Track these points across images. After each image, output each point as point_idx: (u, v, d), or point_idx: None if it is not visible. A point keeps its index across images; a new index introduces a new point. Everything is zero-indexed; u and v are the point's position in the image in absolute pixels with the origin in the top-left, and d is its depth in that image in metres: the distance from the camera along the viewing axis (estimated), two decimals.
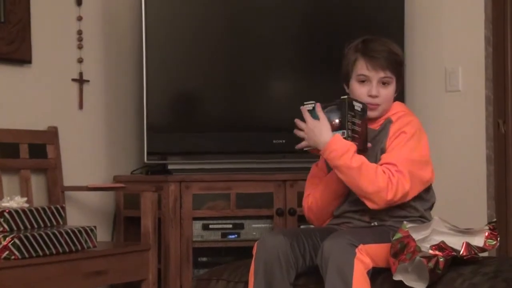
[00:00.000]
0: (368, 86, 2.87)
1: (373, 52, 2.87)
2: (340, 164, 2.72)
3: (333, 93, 4.39)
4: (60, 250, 3.46)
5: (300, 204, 4.13)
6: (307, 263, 2.77)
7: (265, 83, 4.41)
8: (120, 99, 4.47)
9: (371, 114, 2.87)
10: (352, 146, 2.74)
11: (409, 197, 2.76)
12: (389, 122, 2.88)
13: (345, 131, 2.75)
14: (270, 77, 4.41)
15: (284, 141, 4.27)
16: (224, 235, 4.19)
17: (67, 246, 3.50)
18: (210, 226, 4.19)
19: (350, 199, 2.88)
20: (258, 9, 4.38)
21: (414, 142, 2.80)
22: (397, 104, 2.95)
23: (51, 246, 3.40)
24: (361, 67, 2.87)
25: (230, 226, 4.20)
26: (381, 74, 2.86)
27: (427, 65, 4.59)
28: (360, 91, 2.88)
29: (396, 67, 2.88)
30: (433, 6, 4.59)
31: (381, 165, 2.76)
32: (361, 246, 2.60)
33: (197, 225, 4.17)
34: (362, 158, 2.74)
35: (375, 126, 2.89)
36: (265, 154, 4.35)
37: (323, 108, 2.83)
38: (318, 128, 2.78)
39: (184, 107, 4.37)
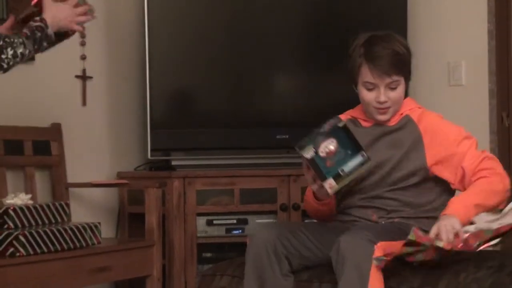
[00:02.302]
0: (376, 93, 2.83)
1: (377, 59, 2.81)
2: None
3: (335, 87, 4.41)
4: (65, 247, 3.47)
5: (303, 199, 4.13)
6: (304, 254, 2.75)
7: (268, 79, 4.41)
8: (123, 95, 4.47)
9: (382, 117, 2.85)
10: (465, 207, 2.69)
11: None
12: (409, 120, 2.84)
13: (362, 154, 2.71)
14: (273, 72, 4.41)
15: (287, 136, 4.27)
16: (228, 230, 4.19)
17: (72, 242, 3.50)
18: (214, 222, 4.19)
19: (361, 195, 2.85)
20: (259, 5, 4.37)
21: (462, 135, 2.84)
22: (409, 100, 2.93)
23: (55, 242, 3.41)
24: (366, 75, 2.82)
25: (234, 221, 4.20)
26: (387, 80, 2.82)
27: (430, 59, 4.58)
28: (368, 97, 2.84)
29: (402, 67, 2.83)
30: (436, 1, 4.58)
31: (475, 174, 2.75)
32: (379, 244, 2.58)
33: (201, 221, 4.17)
34: (472, 198, 2.70)
35: (390, 122, 2.86)
36: (269, 149, 4.35)
37: (319, 137, 2.76)
38: (450, 225, 2.64)
39: (187, 103, 4.37)
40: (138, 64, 4.45)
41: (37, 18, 2.70)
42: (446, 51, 4.54)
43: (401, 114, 2.86)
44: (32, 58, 3.97)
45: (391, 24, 4.42)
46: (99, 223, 3.68)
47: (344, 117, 2.95)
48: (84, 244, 3.56)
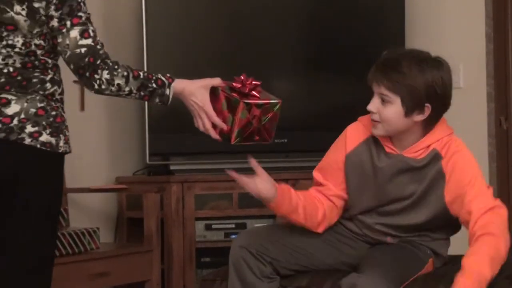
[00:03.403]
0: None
1: (377, 64, 2.64)
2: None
3: (334, 91, 4.41)
4: (63, 252, 3.47)
5: None
6: (290, 260, 2.72)
7: (266, 82, 4.37)
8: (121, 100, 4.45)
9: (374, 131, 2.65)
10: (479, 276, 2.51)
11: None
12: (438, 156, 2.64)
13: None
14: (271, 76, 4.41)
15: (286, 140, 4.27)
16: (227, 235, 4.19)
17: (70, 248, 3.50)
18: (213, 226, 4.19)
19: (380, 220, 2.72)
20: (258, 8, 4.38)
21: (480, 178, 2.67)
22: (438, 129, 2.67)
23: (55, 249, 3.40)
24: (369, 78, 2.66)
25: (233, 226, 4.20)
26: (378, 89, 2.60)
27: None
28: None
29: (399, 87, 2.57)
30: (434, 4, 4.59)
31: (482, 226, 2.56)
32: None
33: (200, 225, 4.17)
34: (486, 271, 2.51)
35: (416, 155, 2.64)
36: (267, 153, 4.34)
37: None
38: None
39: (185, 107, 4.35)
40: (137, 68, 4.45)
41: (169, 76, 2.56)
42: (444, 54, 4.50)
43: (429, 146, 2.64)
44: None
45: (390, 28, 4.43)
46: (98, 228, 3.68)
47: (364, 129, 2.73)
48: (82, 249, 3.55)
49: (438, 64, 2.66)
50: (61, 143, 2.44)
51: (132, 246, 3.95)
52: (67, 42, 2.43)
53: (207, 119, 2.61)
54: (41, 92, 2.44)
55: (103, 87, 2.47)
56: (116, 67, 2.47)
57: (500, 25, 4.43)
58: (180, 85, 2.58)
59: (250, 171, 4.25)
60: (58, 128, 2.45)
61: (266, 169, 4.29)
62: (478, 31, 4.44)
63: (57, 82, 2.52)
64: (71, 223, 4.07)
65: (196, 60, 4.32)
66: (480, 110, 4.42)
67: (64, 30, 2.42)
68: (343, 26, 4.38)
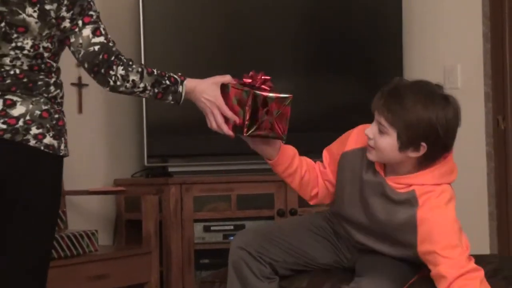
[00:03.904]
0: None
1: (383, 92, 2.54)
2: None
3: (334, 92, 4.41)
4: (62, 255, 3.47)
5: (301, 204, 4.13)
6: (287, 260, 2.72)
7: None
8: (119, 102, 4.47)
9: (368, 156, 2.58)
10: None
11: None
12: (414, 200, 2.53)
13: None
14: (271, 76, 4.39)
15: (285, 142, 4.26)
16: (225, 236, 4.19)
17: (69, 250, 3.50)
18: (212, 228, 4.19)
19: (369, 232, 2.67)
20: (256, 7, 4.38)
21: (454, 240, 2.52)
22: (432, 172, 2.55)
23: (52, 250, 3.41)
24: (373, 103, 2.57)
25: (232, 227, 4.20)
26: (378, 118, 2.53)
27: (426, 63, 4.59)
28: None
29: (397, 121, 2.47)
30: (431, 4, 4.59)
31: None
32: None
33: (198, 227, 4.17)
34: None
35: (398, 186, 2.57)
36: None
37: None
38: None
39: (183, 109, 4.35)
40: None
41: (181, 74, 2.58)
42: (442, 55, 4.55)
43: (410, 185, 2.55)
44: None
45: (387, 29, 4.43)
46: (96, 230, 3.68)
47: (365, 141, 2.66)
48: (81, 251, 3.56)
49: (446, 102, 2.52)
50: (62, 146, 2.45)
51: (131, 248, 3.95)
52: (80, 41, 2.46)
53: (220, 114, 2.60)
54: (45, 95, 2.45)
55: (118, 83, 2.49)
56: (130, 63, 2.50)
57: (497, 25, 4.44)
58: (191, 83, 2.60)
59: (246, 173, 4.27)
60: (60, 131, 2.46)
61: (265, 170, 4.33)
62: (475, 31, 4.44)
63: (59, 85, 2.53)
64: (69, 226, 4.07)
65: (195, 60, 4.32)
66: (478, 110, 4.42)
67: (76, 30, 2.45)
68: (340, 25, 4.38)
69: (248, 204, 4.20)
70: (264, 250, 2.70)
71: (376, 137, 2.53)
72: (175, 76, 2.57)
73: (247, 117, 2.58)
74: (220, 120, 2.62)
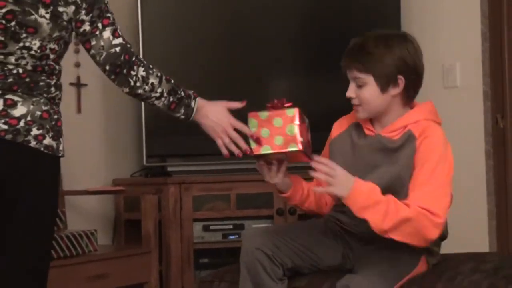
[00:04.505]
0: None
1: (347, 50, 2.71)
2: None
3: (332, 90, 4.41)
4: (61, 255, 3.47)
5: None
6: (296, 262, 2.74)
7: (263, 82, 4.41)
8: (118, 102, 4.47)
9: (357, 115, 2.73)
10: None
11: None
12: (412, 137, 2.64)
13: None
14: (269, 76, 4.41)
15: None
16: (224, 236, 4.19)
17: (68, 250, 3.50)
18: (211, 227, 4.19)
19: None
20: (256, 7, 4.38)
21: (440, 172, 2.59)
22: (416, 111, 2.71)
23: (52, 250, 3.41)
24: (342, 65, 2.74)
25: (231, 226, 4.20)
26: (351, 74, 2.69)
27: (425, 61, 4.51)
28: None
29: (367, 64, 2.64)
30: (430, 4, 4.59)
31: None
32: None
33: (198, 227, 4.17)
34: (392, 215, 2.50)
35: (392, 135, 2.68)
36: None
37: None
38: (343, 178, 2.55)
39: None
40: None
41: (193, 91, 2.63)
42: (441, 53, 4.55)
43: (405, 127, 2.67)
44: None
45: (385, 27, 4.42)
46: (96, 230, 3.68)
47: (348, 119, 2.85)
48: (80, 251, 3.56)
49: (404, 38, 2.72)
50: (60, 147, 2.46)
51: (130, 248, 3.95)
52: (102, 43, 2.48)
53: (227, 136, 2.67)
54: (45, 95, 2.45)
55: (137, 84, 2.51)
56: (151, 66, 2.55)
57: (496, 24, 4.44)
58: (202, 101, 2.66)
59: (246, 172, 4.27)
60: (59, 132, 2.47)
61: None
62: (474, 30, 4.44)
63: (59, 87, 2.54)
64: (68, 226, 4.07)
65: (192, 64, 4.32)
66: (477, 109, 4.43)
67: (97, 33, 2.47)
68: (339, 23, 4.38)
69: (247, 204, 4.20)
70: (277, 251, 2.70)
71: (358, 93, 2.69)
72: (189, 92, 2.64)
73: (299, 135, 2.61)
74: (227, 140, 2.68)
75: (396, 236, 2.52)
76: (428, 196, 2.54)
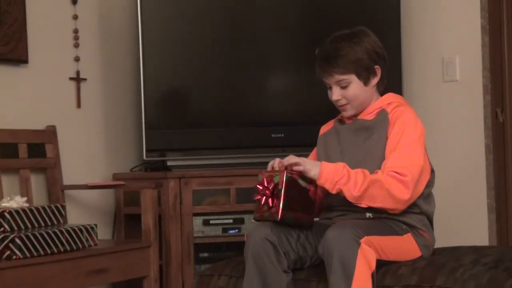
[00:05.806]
0: (331, 91, 2.91)
1: (319, 59, 2.88)
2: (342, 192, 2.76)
3: None
4: (61, 249, 3.47)
5: None
6: (300, 253, 2.76)
7: (262, 78, 4.41)
8: (117, 96, 4.47)
9: (345, 114, 2.93)
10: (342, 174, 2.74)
11: (420, 191, 2.79)
12: (384, 112, 2.88)
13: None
14: (268, 71, 4.41)
15: (283, 135, 4.28)
16: (224, 230, 4.20)
17: (68, 244, 3.50)
18: (211, 222, 4.19)
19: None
20: (254, 4, 4.37)
21: (407, 137, 2.79)
22: (389, 95, 2.94)
23: (52, 245, 3.41)
24: (318, 75, 2.92)
25: (231, 221, 4.21)
26: (333, 79, 2.88)
27: (424, 55, 4.59)
28: (329, 96, 2.93)
29: (346, 66, 2.84)
30: None
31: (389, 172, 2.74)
32: (365, 238, 2.59)
33: (198, 221, 4.17)
34: (361, 181, 2.72)
35: (369, 116, 2.90)
36: (264, 148, 4.35)
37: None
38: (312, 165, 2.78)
39: (182, 103, 4.36)
40: (132, 65, 4.45)
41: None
42: (440, 47, 4.55)
43: (380, 108, 2.89)
44: (25, 61, 3.99)
45: (385, 21, 4.43)
46: (96, 224, 3.68)
47: (333, 120, 3.05)
48: (80, 246, 3.56)
49: (364, 32, 2.91)
50: None
51: (130, 242, 3.94)
52: None
53: None
54: None
55: None
56: None
57: (495, 17, 4.44)
58: None
59: (245, 167, 4.27)
60: None
61: (264, 164, 4.32)
62: (473, 24, 4.44)
63: None
64: (69, 220, 4.07)
65: (192, 59, 4.32)
66: (476, 103, 4.43)
67: None
68: (338, 18, 4.37)
69: (247, 198, 4.19)
70: (281, 241, 2.71)
71: (343, 93, 2.87)
72: None
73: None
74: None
75: (368, 201, 2.71)
76: (395, 159, 2.74)
